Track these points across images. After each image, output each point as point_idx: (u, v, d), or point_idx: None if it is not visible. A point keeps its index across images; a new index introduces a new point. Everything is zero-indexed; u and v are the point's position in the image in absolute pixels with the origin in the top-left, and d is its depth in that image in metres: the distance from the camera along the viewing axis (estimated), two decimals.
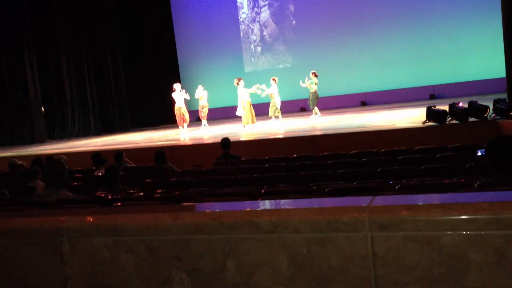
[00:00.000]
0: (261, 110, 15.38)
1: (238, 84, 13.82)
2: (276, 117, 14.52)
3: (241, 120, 13.89)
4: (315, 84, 14.41)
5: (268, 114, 14.77)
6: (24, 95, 16.74)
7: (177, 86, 14.96)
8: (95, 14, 18.52)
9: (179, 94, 14.77)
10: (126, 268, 2.21)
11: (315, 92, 14.50)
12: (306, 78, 14.66)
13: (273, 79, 14.56)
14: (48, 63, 18.03)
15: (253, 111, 13.75)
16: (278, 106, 14.49)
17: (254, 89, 14.17)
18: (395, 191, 3.85)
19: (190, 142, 12.28)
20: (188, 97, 14.88)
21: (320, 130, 11.74)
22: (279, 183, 5.45)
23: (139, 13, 19.94)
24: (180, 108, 14.72)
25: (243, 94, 13.74)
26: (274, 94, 14.45)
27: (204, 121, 15.21)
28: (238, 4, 20.07)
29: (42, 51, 17.67)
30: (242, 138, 11.47)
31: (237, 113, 13.97)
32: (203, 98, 15.16)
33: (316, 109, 14.57)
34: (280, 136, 11.32)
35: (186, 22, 20.74)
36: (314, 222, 1.96)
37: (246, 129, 13.48)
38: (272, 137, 11.26)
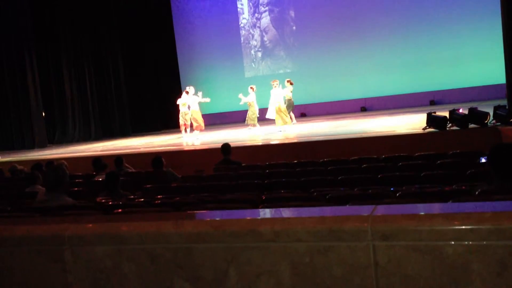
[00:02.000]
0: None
1: (275, 86, 13.77)
2: (253, 125, 14.43)
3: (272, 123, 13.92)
4: (291, 91, 14.42)
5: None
6: (25, 100, 16.75)
7: (190, 89, 14.69)
8: (96, 18, 18.56)
9: (193, 98, 14.54)
10: (128, 276, 2.21)
11: (291, 99, 14.49)
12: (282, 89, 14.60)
13: (251, 88, 14.47)
14: (49, 67, 18.06)
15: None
16: (256, 114, 14.43)
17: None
18: (396, 198, 3.86)
19: (190, 148, 12.28)
20: (207, 99, 14.66)
21: (321, 135, 11.73)
22: (280, 189, 5.46)
23: (140, 18, 19.98)
24: (195, 111, 14.51)
25: (276, 97, 13.65)
26: (252, 103, 14.41)
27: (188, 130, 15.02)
28: (238, 9, 20.13)
29: (43, 56, 17.71)
30: (246, 144, 11.44)
31: (268, 116, 13.97)
32: (185, 105, 14.97)
33: (292, 115, 14.58)
34: (280, 141, 11.32)
35: (187, 27, 20.78)
36: (316, 231, 1.96)
37: (282, 131, 13.45)
38: (272, 142, 11.27)
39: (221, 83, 19.69)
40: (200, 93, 14.70)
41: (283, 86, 14.32)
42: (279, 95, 13.66)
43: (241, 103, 14.60)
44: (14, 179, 8.53)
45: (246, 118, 14.53)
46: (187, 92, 14.64)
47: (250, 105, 14.41)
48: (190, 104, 14.55)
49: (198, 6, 20.62)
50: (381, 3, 17.68)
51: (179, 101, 14.80)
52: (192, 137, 14.41)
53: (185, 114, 14.68)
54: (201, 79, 20.30)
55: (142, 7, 20.02)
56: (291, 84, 14.48)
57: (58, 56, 18.04)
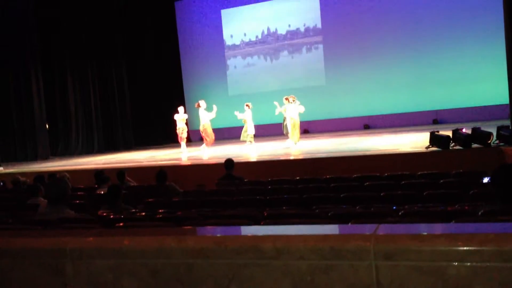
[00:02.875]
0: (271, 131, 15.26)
1: (293, 101, 13.77)
2: (250, 142, 14.41)
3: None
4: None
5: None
6: (29, 111, 16.83)
7: (202, 103, 14.52)
8: (101, 32, 18.72)
9: (204, 112, 14.39)
10: None
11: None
12: (277, 103, 14.60)
13: (247, 105, 14.52)
14: (54, 80, 18.18)
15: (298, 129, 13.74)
16: (251, 132, 14.44)
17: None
18: (399, 217, 3.84)
19: (192, 162, 12.28)
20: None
21: (323, 152, 11.73)
22: (282, 206, 5.44)
23: (145, 32, 20.18)
24: (207, 125, 14.35)
25: (291, 112, 13.69)
26: (247, 120, 14.42)
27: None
28: (238, 32, 20.33)
29: (48, 68, 17.83)
30: (249, 159, 11.45)
31: (285, 132, 14.01)
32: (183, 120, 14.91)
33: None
34: (283, 158, 11.32)
35: (192, 43, 20.98)
36: (319, 249, 1.95)
37: (297, 146, 13.45)
38: (275, 158, 11.26)
39: (223, 98, 19.77)
40: (214, 107, 14.46)
41: (281, 103, 14.40)
42: (295, 110, 13.67)
43: (238, 118, 14.62)
44: (16, 191, 8.53)
45: (242, 135, 14.52)
46: (198, 106, 14.48)
47: (245, 122, 14.42)
48: (201, 118, 14.38)
49: (203, 24, 20.83)
50: (385, 22, 17.80)
51: (176, 117, 14.85)
52: (201, 151, 14.25)
53: (182, 129, 14.70)
54: (205, 94, 20.42)
55: (148, 22, 20.22)
56: (288, 101, 14.53)
57: (63, 68, 18.16)
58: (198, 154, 13.71)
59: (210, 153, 13.91)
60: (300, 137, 14.13)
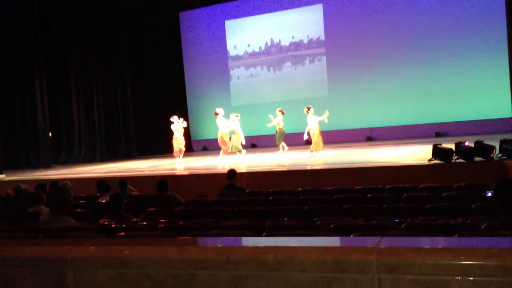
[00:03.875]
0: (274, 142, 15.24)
1: (308, 112, 13.81)
2: (239, 151, 14.37)
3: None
4: (282, 120, 14.51)
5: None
6: (32, 119, 16.88)
7: (220, 110, 14.38)
8: (105, 42, 18.83)
9: (223, 120, 14.26)
10: None
11: (282, 128, 14.56)
12: (271, 116, 14.62)
13: (236, 115, 14.50)
14: (57, 88, 18.26)
15: (320, 138, 13.70)
16: (242, 142, 14.42)
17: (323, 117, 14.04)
18: (401, 230, 3.83)
19: (194, 172, 12.28)
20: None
21: (325, 164, 11.73)
22: (283, 217, 5.43)
23: (149, 42, 20.28)
24: (224, 134, 14.26)
25: (312, 121, 13.70)
26: (237, 130, 14.35)
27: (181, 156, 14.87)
28: (241, 45, 20.43)
29: (52, 76, 17.91)
30: (251, 170, 11.44)
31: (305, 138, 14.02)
32: (177, 130, 14.89)
33: (283, 143, 14.61)
34: (285, 169, 11.31)
35: (196, 53, 21.11)
36: (321, 261, 1.94)
37: (313, 155, 13.50)
38: (277, 169, 11.26)
39: (227, 109, 19.80)
40: (234, 117, 14.33)
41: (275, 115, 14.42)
42: (314, 120, 13.67)
43: (228, 130, 14.55)
44: (18, 199, 8.53)
45: (231, 146, 14.44)
46: (216, 114, 14.35)
47: (234, 132, 14.41)
48: (219, 126, 14.29)
49: (207, 34, 20.96)
50: (388, 35, 17.87)
51: (172, 127, 14.86)
52: (218, 160, 14.12)
53: (179, 140, 14.71)
54: (208, 104, 20.51)
55: (152, 32, 20.33)
56: (282, 113, 14.58)
57: (67, 77, 18.24)
58: (216, 163, 13.59)
59: (211, 162, 13.91)
60: (302, 149, 14.13)
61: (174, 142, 14.90)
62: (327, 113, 13.68)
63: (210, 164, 13.88)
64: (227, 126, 14.31)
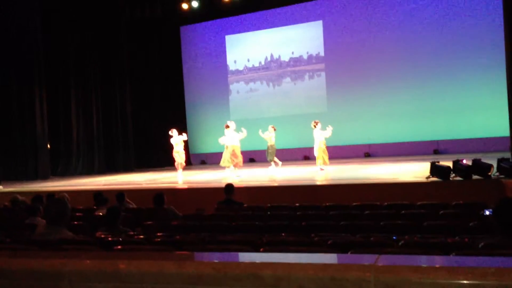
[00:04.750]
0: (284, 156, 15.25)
1: (315, 126, 13.81)
2: (228, 167, 14.31)
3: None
4: (274, 137, 14.58)
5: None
6: (31, 130, 16.88)
7: (231, 124, 14.26)
8: (106, 54, 18.92)
9: (233, 133, 14.09)
10: None
11: (273, 145, 14.60)
12: (260, 131, 14.68)
13: (226, 126, 14.39)
14: (57, 100, 18.29)
15: (326, 153, 13.69)
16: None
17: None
18: (399, 247, 3.82)
19: (192, 186, 12.26)
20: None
21: (323, 180, 11.73)
22: (281, 232, 5.42)
23: (150, 55, 20.41)
24: (236, 147, 14.04)
25: (318, 136, 13.69)
26: (228, 145, 14.33)
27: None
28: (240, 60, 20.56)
29: (52, 88, 17.94)
30: (249, 184, 11.42)
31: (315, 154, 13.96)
32: (178, 144, 14.82)
33: (275, 159, 14.65)
34: (283, 184, 11.31)
35: (196, 67, 21.23)
36: (318, 278, 1.94)
37: (319, 169, 13.54)
38: (274, 185, 11.25)
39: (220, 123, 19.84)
40: (244, 130, 14.16)
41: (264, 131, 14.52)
42: (320, 135, 13.69)
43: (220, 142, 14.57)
44: (15, 210, 8.50)
45: (222, 160, 14.37)
46: (227, 127, 14.20)
47: (226, 147, 14.39)
48: (229, 139, 14.11)
49: (207, 49, 21.10)
50: (387, 52, 17.99)
51: (172, 141, 14.85)
52: (232, 173, 13.93)
53: (180, 153, 14.70)
54: (207, 118, 20.57)
55: (153, 45, 20.46)
56: (274, 130, 14.63)
57: (67, 88, 18.30)
58: (227, 176, 13.51)
59: (208, 177, 13.89)
60: (300, 164, 14.12)
61: (176, 155, 14.84)
62: (330, 127, 13.79)
63: (208, 178, 13.87)
64: (239, 138, 14.17)
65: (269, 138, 14.55)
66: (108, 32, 18.81)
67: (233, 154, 14.09)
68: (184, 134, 15.19)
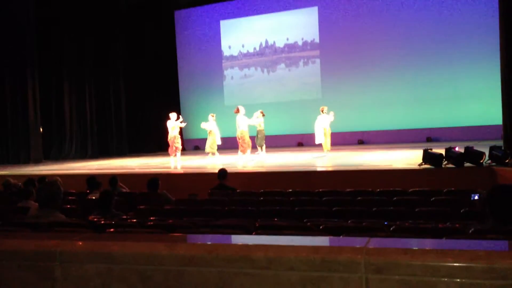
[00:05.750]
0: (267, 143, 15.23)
1: (323, 112, 13.81)
2: (213, 154, 14.32)
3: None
4: (263, 122, 14.59)
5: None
6: (23, 114, 16.77)
7: (242, 109, 14.17)
8: (99, 39, 18.75)
9: (243, 118, 14.02)
10: None
11: (262, 130, 14.59)
12: (255, 116, 14.61)
13: (211, 115, 14.48)
14: (49, 83, 18.16)
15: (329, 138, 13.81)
16: (218, 143, 14.43)
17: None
18: (390, 232, 3.84)
19: (185, 171, 12.26)
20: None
21: (317, 166, 11.76)
22: (274, 217, 5.43)
23: (143, 40, 20.22)
24: (244, 132, 14.01)
25: (323, 122, 13.71)
26: (212, 131, 14.30)
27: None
28: (235, 45, 20.44)
29: (44, 72, 17.80)
30: (243, 170, 11.44)
31: (317, 142, 13.94)
32: (174, 128, 14.78)
33: (263, 146, 14.68)
34: (276, 170, 11.32)
35: (190, 52, 21.10)
36: (310, 260, 1.95)
37: (328, 154, 13.61)
38: (268, 170, 11.26)
39: (220, 108, 19.80)
40: (255, 114, 14.10)
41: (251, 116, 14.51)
42: (325, 121, 13.73)
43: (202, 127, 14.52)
44: (7, 193, 8.47)
45: (206, 146, 14.38)
46: (238, 111, 14.12)
47: (210, 133, 14.34)
48: (239, 124, 14.05)
49: (201, 34, 20.94)
50: (382, 40, 17.95)
51: (168, 124, 14.76)
52: (245, 158, 13.84)
53: (175, 138, 14.61)
54: (200, 103, 20.50)
55: (147, 30, 20.27)
56: (263, 115, 14.61)
57: (60, 73, 18.16)
58: (235, 161, 13.46)
59: (202, 162, 13.89)
60: (294, 150, 14.15)
61: (174, 140, 14.64)
62: (332, 112, 13.91)
63: (201, 163, 13.86)
64: (248, 124, 14.11)
65: (259, 123, 14.53)
66: (102, 16, 18.61)
67: (242, 140, 13.98)
68: (183, 123, 14.98)
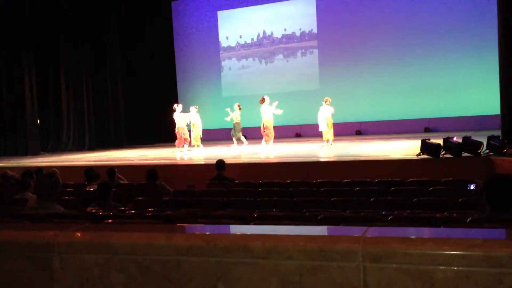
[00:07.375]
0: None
1: (326, 103, 13.82)
2: (197, 146, 14.27)
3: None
4: (239, 115, 14.65)
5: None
6: (21, 106, 16.71)
7: (267, 98, 13.79)
8: (97, 31, 18.68)
9: (267, 108, 13.71)
10: (115, 287, 2.19)
11: (239, 122, 14.65)
12: (229, 110, 14.71)
13: (194, 107, 14.42)
14: (47, 75, 18.09)
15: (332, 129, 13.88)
16: (200, 134, 14.37)
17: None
18: (388, 222, 3.86)
19: (183, 162, 12.26)
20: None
21: (315, 157, 11.76)
22: (272, 208, 5.45)
23: (141, 31, 20.14)
24: (268, 121, 13.68)
25: (326, 113, 13.72)
26: (195, 123, 14.21)
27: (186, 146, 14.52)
28: (232, 35, 20.36)
29: (41, 63, 17.74)
30: (241, 161, 11.44)
31: (321, 129, 13.93)
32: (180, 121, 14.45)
33: (242, 138, 14.72)
34: (274, 161, 11.33)
35: (187, 43, 21.00)
36: (307, 249, 1.95)
37: (328, 145, 13.68)
38: (266, 161, 11.27)
39: (217, 100, 19.77)
40: (274, 104, 13.80)
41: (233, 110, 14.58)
42: (328, 112, 13.78)
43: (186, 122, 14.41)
44: (5, 185, 8.47)
45: (191, 139, 14.31)
46: (263, 101, 13.75)
47: (193, 125, 14.28)
48: (263, 114, 13.75)
49: (199, 25, 20.85)
50: (380, 31, 17.90)
51: (174, 116, 14.50)
52: (266, 149, 13.64)
53: (181, 129, 14.40)
54: (198, 95, 20.46)
55: (144, 21, 20.19)
56: (240, 108, 14.69)
57: (57, 65, 18.08)
58: (258, 151, 13.38)
59: (200, 154, 13.88)
60: (292, 141, 14.14)
61: (183, 132, 14.29)
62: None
63: (199, 154, 13.86)
64: (272, 113, 13.85)
65: (235, 115, 14.55)
66: (99, 8, 18.51)
67: (267, 128, 13.76)
68: (188, 117, 14.60)
